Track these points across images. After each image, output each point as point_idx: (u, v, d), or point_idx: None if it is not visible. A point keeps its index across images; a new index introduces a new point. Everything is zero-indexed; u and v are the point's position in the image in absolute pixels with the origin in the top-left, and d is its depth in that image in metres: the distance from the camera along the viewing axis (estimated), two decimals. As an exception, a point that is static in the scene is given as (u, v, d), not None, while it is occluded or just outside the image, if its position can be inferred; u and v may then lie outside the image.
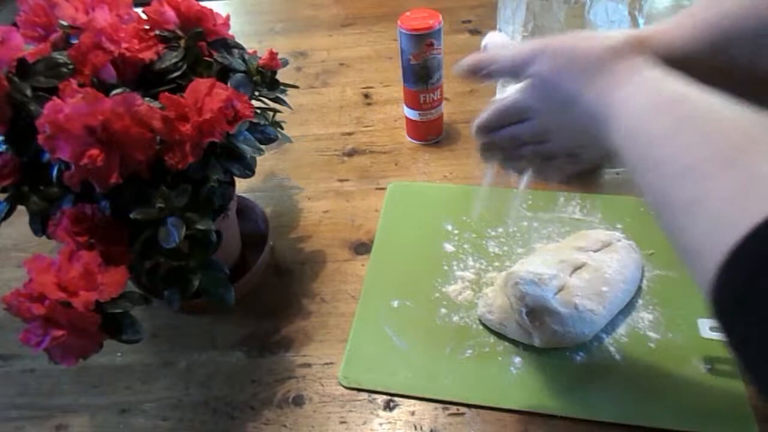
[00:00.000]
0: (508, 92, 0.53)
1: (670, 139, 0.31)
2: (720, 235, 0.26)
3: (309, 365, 0.64)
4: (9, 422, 0.62)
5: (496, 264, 0.70)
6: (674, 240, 0.30)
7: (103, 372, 0.65)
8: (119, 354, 0.67)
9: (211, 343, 0.67)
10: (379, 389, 0.61)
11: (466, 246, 0.73)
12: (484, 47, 0.51)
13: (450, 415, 0.58)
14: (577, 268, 0.63)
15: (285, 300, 0.70)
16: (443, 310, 0.66)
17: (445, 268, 0.71)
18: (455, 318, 0.65)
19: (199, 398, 0.62)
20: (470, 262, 0.71)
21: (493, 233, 0.74)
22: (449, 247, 0.73)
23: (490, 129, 0.50)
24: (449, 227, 0.75)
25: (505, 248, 0.72)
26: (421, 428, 0.58)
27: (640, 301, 0.64)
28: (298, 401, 0.61)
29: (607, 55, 0.39)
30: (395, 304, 0.67)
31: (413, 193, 0.82)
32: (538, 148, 0.49)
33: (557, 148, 0.48)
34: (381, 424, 0.58)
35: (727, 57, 0.41)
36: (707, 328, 0.61)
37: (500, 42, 0.50)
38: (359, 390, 0.61)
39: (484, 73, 0.48)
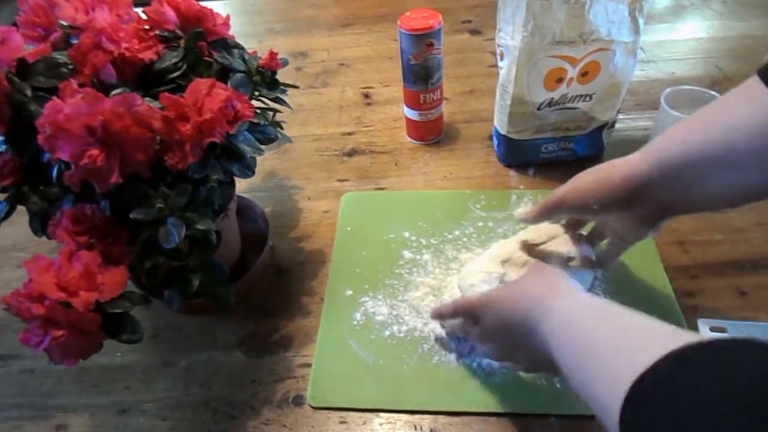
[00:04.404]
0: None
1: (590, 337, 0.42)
2: (611, 390, 0.34)
3: (309, 365, 0.64)
4: (9, 422, 0.62)
5: (456, 267, 0.70)
6: (584, 398, 0.39)
7: (103, 372, 0.65)
8: (119, 354, 0.67)
9: (211, 343, 0.67)
10: (349, 407, 0.59)
11: (424, 251, 0.72)
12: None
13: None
14: (524, 265, 0.62)
15: (285, 300, 0.70)
16: (407, 318, 0.65)
17: (406, 275, 0.70)
18: (419, 325, 0.65)
19: (199, 398, 0.62)
20: (430, 268, 0.70)
21: (450, 236, 0.73)
22: (408, 254, 0.72)
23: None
24: (406, 234, 0.75)
25: (463, 250, 0.72)
26: (421, 428, 0.58)
27: (598, 291, 0.65)
28: (298, 401, 0.61)
29: (540, 298, 0.49)
30: (357, 316, 0.66)
31: (367, 202, 0.81)
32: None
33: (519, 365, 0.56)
34: (381, 424, 0.58)
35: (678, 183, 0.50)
36: (707, 329, 0.61)
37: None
38: (329, 409, 0.59)
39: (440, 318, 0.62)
